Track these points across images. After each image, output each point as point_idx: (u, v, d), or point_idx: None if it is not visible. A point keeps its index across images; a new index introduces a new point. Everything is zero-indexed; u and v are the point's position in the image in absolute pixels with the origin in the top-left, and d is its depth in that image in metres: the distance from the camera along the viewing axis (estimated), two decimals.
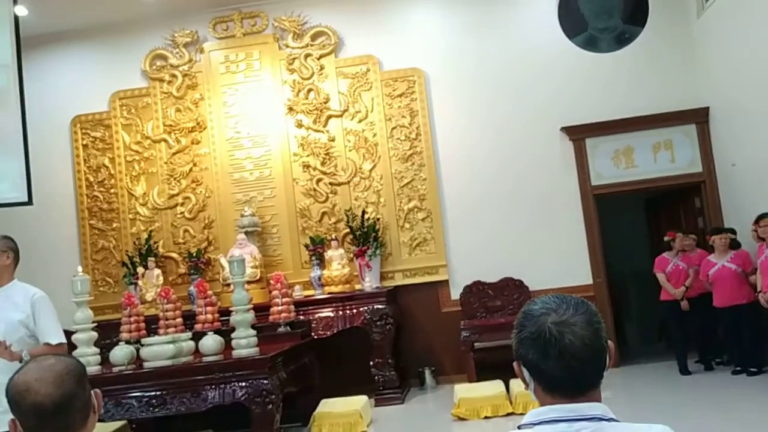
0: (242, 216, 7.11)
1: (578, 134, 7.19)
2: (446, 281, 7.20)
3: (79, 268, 5.46)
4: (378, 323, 6.45)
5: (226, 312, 5.59)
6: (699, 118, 7.08)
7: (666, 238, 6.64)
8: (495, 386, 5.81)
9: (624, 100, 7.13)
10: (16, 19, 6.60)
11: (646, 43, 7.21)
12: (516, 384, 5.60)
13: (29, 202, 6.47)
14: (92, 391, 1.62)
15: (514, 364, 1.37)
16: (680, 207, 7.83)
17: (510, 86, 7.32)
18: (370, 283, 6.77)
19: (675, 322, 6.49)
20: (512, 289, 7.05)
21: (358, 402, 5.74)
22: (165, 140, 7.54)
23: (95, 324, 5.13)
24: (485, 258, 7.12)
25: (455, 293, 7.16)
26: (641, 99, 7.11)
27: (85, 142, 7.66)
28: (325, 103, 7.40)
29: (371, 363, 6.48)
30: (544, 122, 7.22)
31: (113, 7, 7.27)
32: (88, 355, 5.07)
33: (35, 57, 7.32)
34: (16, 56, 6.52)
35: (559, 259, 7.02)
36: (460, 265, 7.19)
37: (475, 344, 6.48)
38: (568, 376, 1.28)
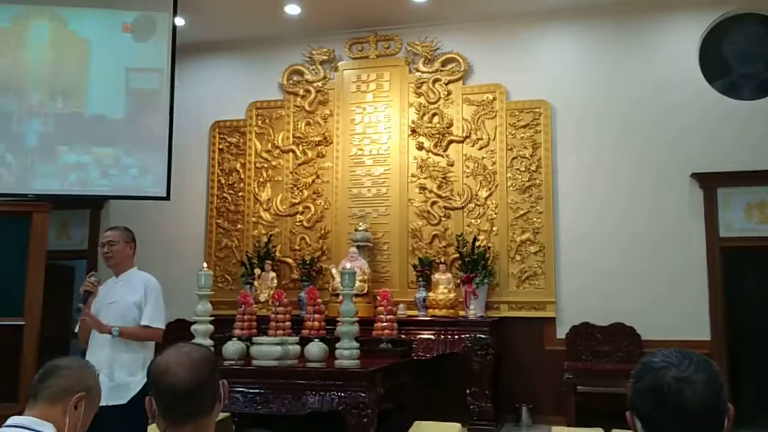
0: (356, 230, 7.32)
1: (709, 182, 6.84)
2: (553, 319, 7.04)
3: (204, 264, 5.85)
4: (479, 352, 6.41)
5: (331, 321, 5.77)
6: None
7: None
8: None
9: (762, 150, 6.72)
10: (174, 28, 7.23)
11: None
12: None
13: (167, 197, 7.03)
14: (221, 381, 1.74)
15: (627, 414, 1.37)
16: None
17: (639, 126, 7.10)
18: (474, 310, 6.75)
19: None
20: (622, 335, 6.78)
21: (451, 429, 5.69)
22: (293, 151, 7.93)
23: (212, 318, 5.45)
24: (596, 300, 6.90)
25: (561, 332, 6.99)
26: None
27: (221, 147, 8.21)
28: (448, 127, 7.51)
29: (468, 392, 6.43)
30: (673, 166, 6.94)
31: (260, 23, 7.78)
32: (203, 346, 5.39)
33: (186, 64, 7.95)
34: (170, 62, 7.15)
35: (676, 310, 6.69)
36: (569, 304, 7.02)
37: (578, 388, 6.28)
38: None
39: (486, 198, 7.33)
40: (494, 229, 7.27)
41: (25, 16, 7.07)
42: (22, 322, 6.05)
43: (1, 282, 6.35)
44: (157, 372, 1.69)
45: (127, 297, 3.73)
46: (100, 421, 3.52)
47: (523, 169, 7.29)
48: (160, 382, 1.68)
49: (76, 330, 3.83)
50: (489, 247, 7.17)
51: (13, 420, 1.85)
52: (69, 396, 1.92)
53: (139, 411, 2.01)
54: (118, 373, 3.59)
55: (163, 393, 1.67)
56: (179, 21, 7.40)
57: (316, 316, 5.68)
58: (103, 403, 3.56)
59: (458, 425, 5.86)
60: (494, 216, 7.29)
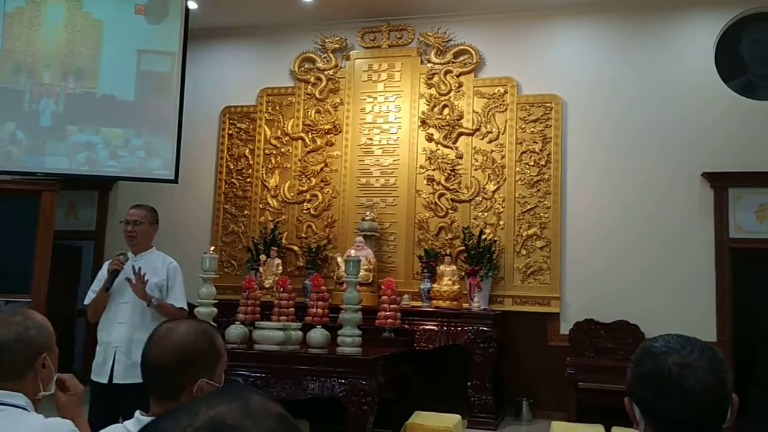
0: (363, 220, 7.32)
1: (721, 182, 6.78)
2: (557, 314, 7.02)
3: (211, 248, 5.86)
4: (481, 345, 6.40)
5: (335, 309, 5.77)
6: None
7: None
8: (595, 430, 5.58)
9: None
10: (187, 11, 7.23)
11: None
12: None
13: (175, 180, 7.05)
14: (201, 381, 1.63)
15: (626, 400, 1.33)
16: None
17: (651, 124, 7.04)
18: (478, 303, 6.74)
19: None
20: (626, 333, 6.74)
21: (451, 420, 5.70)
22: (302, 138, 7.92)
23: (216, 301, 5.45)
24: (601, 297, 6.87)
25: (564, 328, 6.96)
26: None
27: (230, 132, 8.21)
28: (458, 120, 7.47)
29: (469, 384, 6.43)
30: (684, 165, 6.88)
31: (273, 9, 7.76)
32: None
33: (198, 48, 7.94)
34: (182, 46, 7.15)
35: (681, 310, 6.64)
36: (574, 300, 6.99)
37: (579, 383, 6.26)
38: (684, 422, 1.21)
39: (494, 191, 7.30)
40: (501, 222, 7.24)
41: None
42: (29, 300, 6.09)
43: (10, 259, 6.39)
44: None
45: (149, 277, 3.77)
46: (118, 398, 3.57)
47: (532, 163, 7.25)
48: (142, 357, 1.70)
49: (86, 303, 3.85)
50: (495, 241, 7.14)
51: None
52: (32, 364, 1.81)
53: None
54: (136, 352, 3.60)
55: (141, 367, 1.69)
56: (192, 4, 7.40)
57: (320, 303, 5.68)
58: (120, 381, 3.61)
59: (458, 417, 5.87)
60: (501, 210, 7.26)
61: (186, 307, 3.89)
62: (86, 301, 3.86)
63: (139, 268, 3.69)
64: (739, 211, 6.75)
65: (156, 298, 3.71)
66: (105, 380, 3.64)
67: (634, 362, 1.31)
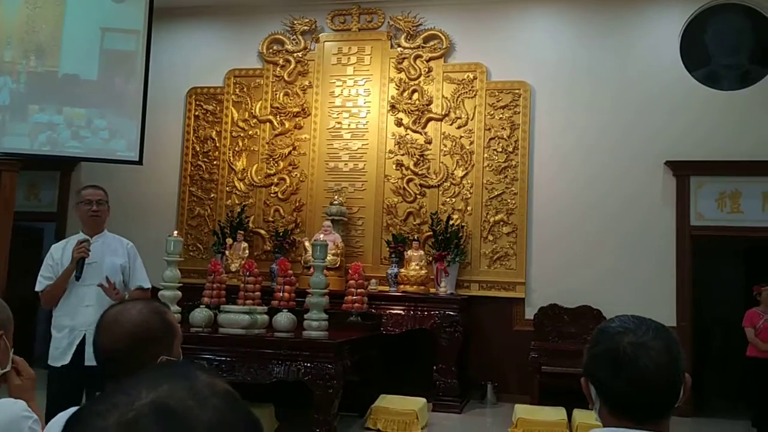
0: (331, 204, 7.29)
1: (683, 170, 6.91)
2: (522, 299, 7.10)
3: (175, 231, 5.78)
4: (447, 329, 6.46)
5: (302, 293, 5.75)
6: None
7: (754, 293, 6.29)
8: (557, 412, 5.69)
9: (737, 141, 6.80)
10: None
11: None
12: (579, 414, 5.47)
13: (140, 162, 6.93)
14: (162, 358, 1.60)
15: (582, 379, 1.35)
16: None
17: (617, 112, 7.13)
18: (445, 288, 6.78)
19: (759, 381, 6.13)
20: (589, 318, 6.86)
21: (417, 403, 5.76)
22: (270, 121, 7.83)
23: (181, 285, 5.39)
24: (565, 282, 6.97)
25: (529, 313, 7.05)
26: (756, 142, 6.76)
27: (197, 114, 8.08)
28: (428, 105, 7.47)
29: (434, 368, 6.49)
30: (648, 153, 6.99)
31: None
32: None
33: (163, 28, 7.77)
34: (147, 25, 7.00)
35: (643, 295, 6.77)
36: (539, 285, 7.08)
37: (543, 367, 6.36)
38: (638, 401, 1.24)
39: (462, 177, 7.33)
40: (468, 208, 7.29)
41: None
42: None
43: None
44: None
45: (112, 259, 3.74)
46: (86, 380, 3.51)
47: (500, 150, 7.30)
48: (94, 345, 1.65)
49: (40, 289, 3.75)
50: (462, 226, 7.19)
51: None
52: None
53: None
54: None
55: (96, 356, 1.65)
56: None
57: (287, 287, 5.64)
58: (91, 364, 3.55)
59: (423, 400, 5.93)
60: (469, 196, 7.30)
61: (150, 286, 3.90)
62: (38, 288, 3.74)
63: (107, 278, 3.64)
64: (700, 199, 6.90)
65: (128, 297, 3.67)
66: (68, 363, 3.58)
67: (591, 342, 1.34)
